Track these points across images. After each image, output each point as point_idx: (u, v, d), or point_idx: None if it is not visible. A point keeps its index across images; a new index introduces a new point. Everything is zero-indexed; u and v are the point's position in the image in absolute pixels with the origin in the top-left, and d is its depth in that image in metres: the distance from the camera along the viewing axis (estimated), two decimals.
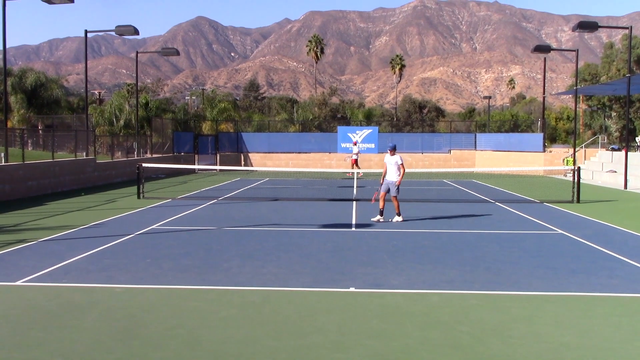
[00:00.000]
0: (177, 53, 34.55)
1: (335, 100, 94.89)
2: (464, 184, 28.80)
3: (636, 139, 40.22)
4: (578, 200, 19.76)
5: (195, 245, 11.69)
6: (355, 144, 35.31)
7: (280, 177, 33.47)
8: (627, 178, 26.33)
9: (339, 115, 75.34)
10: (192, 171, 36.79)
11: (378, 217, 15.08)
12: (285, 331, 6.50)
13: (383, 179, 15.30)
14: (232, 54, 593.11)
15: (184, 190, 24.61)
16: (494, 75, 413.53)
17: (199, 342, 6.16)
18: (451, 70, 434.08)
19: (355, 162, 33.30)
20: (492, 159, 40.24)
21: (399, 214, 15.07)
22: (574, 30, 27.00)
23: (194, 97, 79.85)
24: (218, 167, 37.54)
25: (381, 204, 15.10)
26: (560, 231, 13.68)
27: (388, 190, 15.11)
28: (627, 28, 29.50)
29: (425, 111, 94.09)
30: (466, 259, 10.43)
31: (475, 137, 43.58)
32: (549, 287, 8.52)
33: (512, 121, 63.19)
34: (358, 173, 32.65)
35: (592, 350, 5.99)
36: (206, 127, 50.38)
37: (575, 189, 20.01)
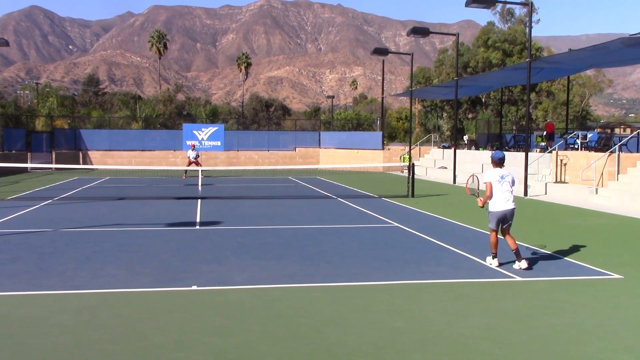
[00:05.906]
0: (7, 44, 31.82)
1: (180, 97, 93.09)
2: (308, 180, 29.51)
3: (464, 137, 43.53)
4: (412, 195, 21.02)
5: (26, 249, 10.96)
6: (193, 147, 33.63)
7: (122, 175, 32.23)
8: (456, 174, 28.44)
9: (184, 113, 73.97)
10: (25, 170, 34.43)
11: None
12: (123, 334, 6.32)
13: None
14: (70, 47, 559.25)
15: (15, 190, 22.93)
16: (338, 76, 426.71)
17: (28, 351, 5.81)
18: (297, 70, 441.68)
19: (194, 162, 32.29)
20: (335, 157, 41.60)
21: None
22: (408, 35, 28.68)
23: (26, 92, 74.49)
24: (54, 166, 35.33)
25: (513, 246, 9.55)
26: (396, 224, 14.49)
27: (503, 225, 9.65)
28: (454, 35, 31.78)
29: (271, 109, 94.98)
30: (308, 254, 10.74)
31: (320, 135, 44.84)
32: (384, 277, 9.01)
33: (354, 120, 65.65)
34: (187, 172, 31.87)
35: (420, 333, 6.44)
36: (40, 124, 47.13)
37: (410, 185, 21.27)
